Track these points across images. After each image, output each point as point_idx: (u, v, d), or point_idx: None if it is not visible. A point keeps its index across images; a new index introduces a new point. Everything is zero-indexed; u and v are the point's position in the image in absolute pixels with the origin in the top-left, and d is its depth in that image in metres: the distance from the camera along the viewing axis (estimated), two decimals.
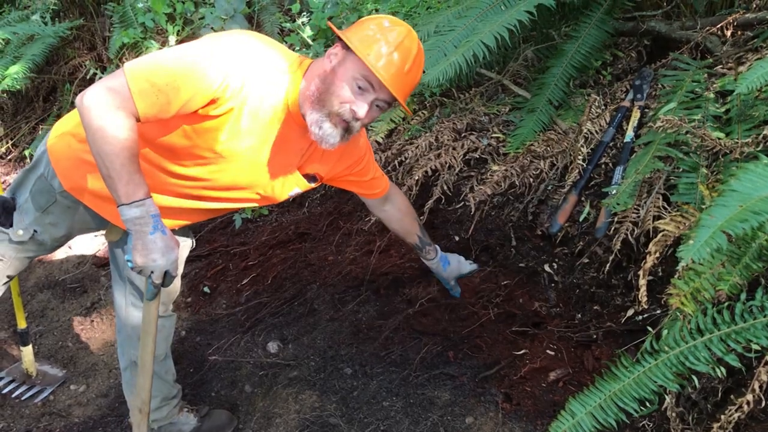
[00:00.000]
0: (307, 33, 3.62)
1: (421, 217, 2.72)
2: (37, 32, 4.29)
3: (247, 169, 1.85)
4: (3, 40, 4.20)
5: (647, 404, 1.63)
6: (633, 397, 1.61)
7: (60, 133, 1.94)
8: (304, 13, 3.78)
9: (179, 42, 4.28)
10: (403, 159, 2.89)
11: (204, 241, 3.41)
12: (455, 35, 2.67)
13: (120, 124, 1.58)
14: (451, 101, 3.09)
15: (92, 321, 3.24)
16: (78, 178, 1.90)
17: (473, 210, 2.62)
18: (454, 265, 2.38)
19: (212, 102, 1.66)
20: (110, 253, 2.20)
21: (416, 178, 2.78)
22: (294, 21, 3.78)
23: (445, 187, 2.74)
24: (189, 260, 3.31)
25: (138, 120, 1.63)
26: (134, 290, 2.17)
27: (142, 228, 1.64)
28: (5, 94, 4.35)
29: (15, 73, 4.15)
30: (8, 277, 2.09)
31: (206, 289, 3.15)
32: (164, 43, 4.32)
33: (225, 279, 3.17)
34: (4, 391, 2.82)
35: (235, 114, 1.71)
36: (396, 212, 2.27)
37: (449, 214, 2.74)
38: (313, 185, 2.02)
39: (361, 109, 1.69)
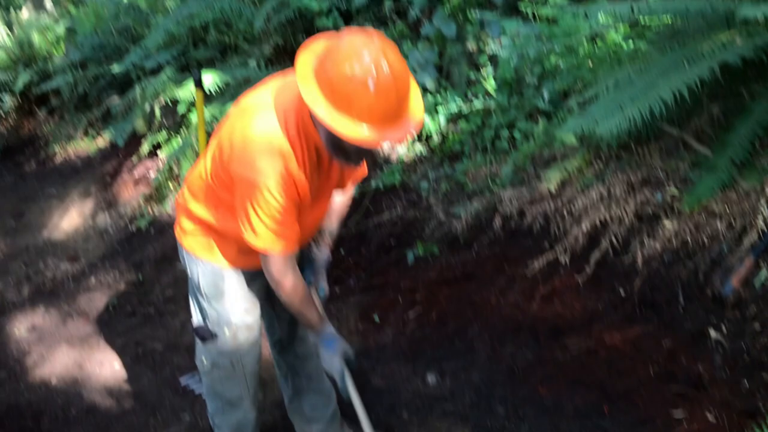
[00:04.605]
0: (490, 84, 3.80)
1: (587, 268, 2.75)
2: (252, 76, 4.86)
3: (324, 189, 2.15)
4: (224, 83, 4.81)
5: None
6: None
7: (182, 233, 2.24)
8: (489, 66, 3.95)
9: None
10: (572, 208, 2.93)
11: (378, 274, 3.64)
12: (634, 90, 2.69)
13: (285, 281, 2.05)
14: (627, 154, 3.07)
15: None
16: (224, 251, 2.18)
17: (641, 265, 2.60)
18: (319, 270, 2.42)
19: (297, 193, 1.96)
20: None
21: (584, 228, 2.81)
22: (479, 71, 3.97)
23: (614, 240, 2.74)
24: (362, 290, 3.57)
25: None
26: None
27: (324, 345, 2.17)
28: None
29: None
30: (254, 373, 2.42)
31: (376, 318, 3.37)
32: None
33: (393, 310, 3.37)
34: (197, 393, 3.20)
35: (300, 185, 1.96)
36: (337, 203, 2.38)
37: (616, 267, 2.72)
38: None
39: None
